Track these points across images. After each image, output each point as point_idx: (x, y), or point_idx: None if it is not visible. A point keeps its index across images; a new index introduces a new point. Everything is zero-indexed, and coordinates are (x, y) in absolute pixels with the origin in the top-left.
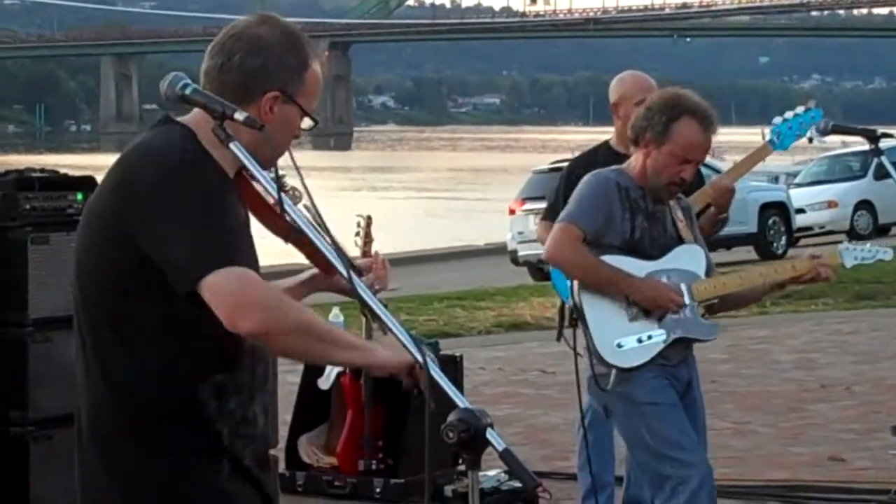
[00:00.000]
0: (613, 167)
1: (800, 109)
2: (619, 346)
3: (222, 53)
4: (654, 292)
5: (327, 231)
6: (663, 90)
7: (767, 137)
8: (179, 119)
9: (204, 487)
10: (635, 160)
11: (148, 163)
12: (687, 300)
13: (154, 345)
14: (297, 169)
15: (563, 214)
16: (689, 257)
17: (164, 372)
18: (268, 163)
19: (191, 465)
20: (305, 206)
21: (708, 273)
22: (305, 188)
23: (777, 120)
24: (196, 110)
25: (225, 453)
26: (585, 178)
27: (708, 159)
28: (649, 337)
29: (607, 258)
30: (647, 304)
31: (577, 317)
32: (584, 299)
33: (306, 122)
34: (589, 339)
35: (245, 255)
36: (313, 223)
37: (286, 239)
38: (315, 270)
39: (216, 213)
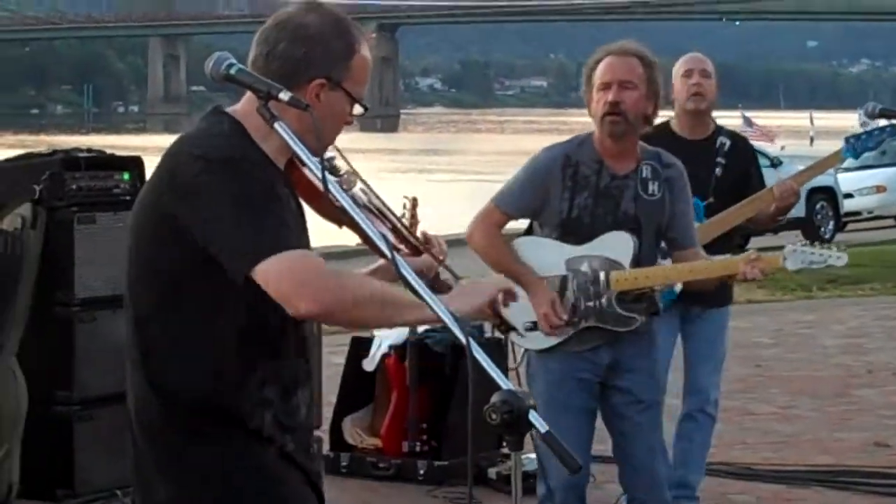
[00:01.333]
0: (581, 137)
1: (881, 123)
2: (526, 326)
3: (267, 42)
4: (536, 303)
5: (383, 211)
6: None
7: (843, 147)
8: (229, 110)
9: (251, 471)
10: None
11: (195, 154)
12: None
13: (202, 336)
14: (340, 153)
15: (494, 195)
16: (614, 244)
17: (211, 362)
18: (316, 150)
19: (236, 453)
20: (362, 191)
21: (638, 261)
22: (355, 172)
23: (854, 132)
24: (246, 102)
25: (269, 442)
26: (533, 155)
27: (758, 145)
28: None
29: (532, 239)
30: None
31: None
32: None
33: (357, 109)
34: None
35: (297, 241)
36: (370, 205)
37: (340, 224)
38: (378, 263)
39: (266, 202)
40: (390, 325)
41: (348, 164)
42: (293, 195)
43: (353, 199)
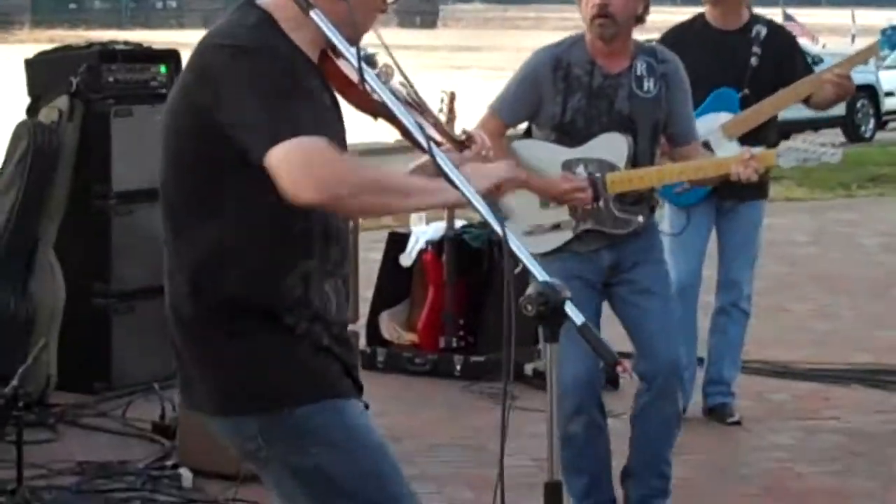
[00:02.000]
0: (572, 38)
1: None
2: (525, 230)
3: None
4: (556, 193)
5: (424, 106)
6: None
7: (880, 38)
8: (259, 2)
9: (287, 363)
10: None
11: (223, 44)
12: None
13: (233, 232)
14: (388, 49)
15: (492, 101)
16: (608, 146)
17: (242, 259)
18: (352, 40)
19: (271, 347)
20: (401, 83)
21: (634, 161)
22: (398, 66)
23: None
24: None
25: (303, 337)
26: (525, 59)
27: (804, 43)
28: (557, 225)
29: (529, 143)
30: (555, 201)
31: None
32: None
33: None
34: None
35: (317, 130)
36: (408, 99)
37: (375, 116)
38: (421, 160)
39: (287, 91)
40: (403, 212)
41: (393, 59)
42: (326, 87)
43: (393, 92)
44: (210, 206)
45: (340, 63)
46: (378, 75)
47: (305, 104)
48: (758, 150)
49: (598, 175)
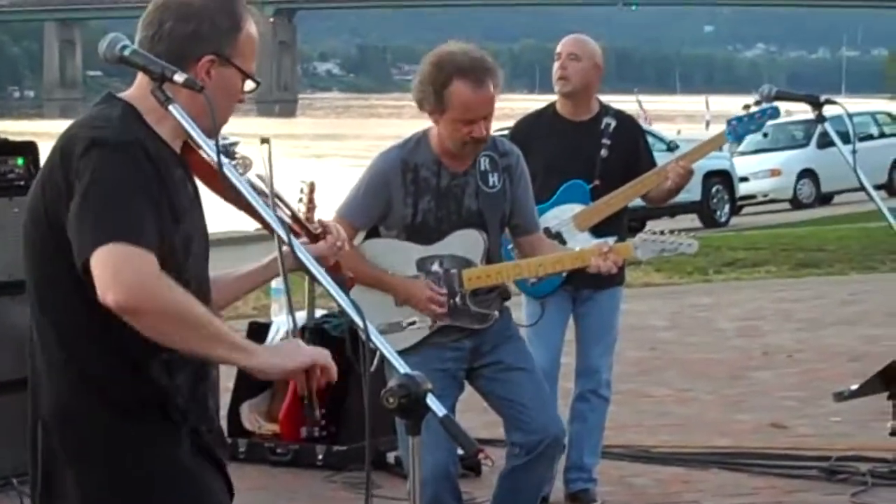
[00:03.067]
0: (416, 137)
1: (761, 106)
2: (383, 330)
3: (153, 24)
4: (412, 299)
5: (281, 200)
6: (432, 53)
7: (726, 129)
8: (122, 95)
9: (164, 463)
10: (434, 128)
11: (83, 136)
12: (453, 292)
13: (98, 320)
14: (268, 143)
15: (339, 206)
16: (464, 243)
17: (113, 348)
18: (212, 131)
19: (149, 441)
20: (259, 176)
21: (489, 256)
22: (270, 158)
23: (737, 114)
24: (139, 85)
25: (182, 425)
26: (371, 162)
27: (646, 127)
28: (413, 323)
29: (381, 242)
30: (409, 305)
31: None
32: None
33: (249, 86)
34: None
35: (149, 237)
36: (264, 190)
37: (238, 206)
38: (276, 254)
39: (131, 192)
40: (201, 356)
41: (268, 158)
42: (189, 177)
43: (250, 184)
44: (72, 296)
45: (203, 153)
46: (236, 166)
47: (149, 206)
48: (615, 243)
49: (453, 271)
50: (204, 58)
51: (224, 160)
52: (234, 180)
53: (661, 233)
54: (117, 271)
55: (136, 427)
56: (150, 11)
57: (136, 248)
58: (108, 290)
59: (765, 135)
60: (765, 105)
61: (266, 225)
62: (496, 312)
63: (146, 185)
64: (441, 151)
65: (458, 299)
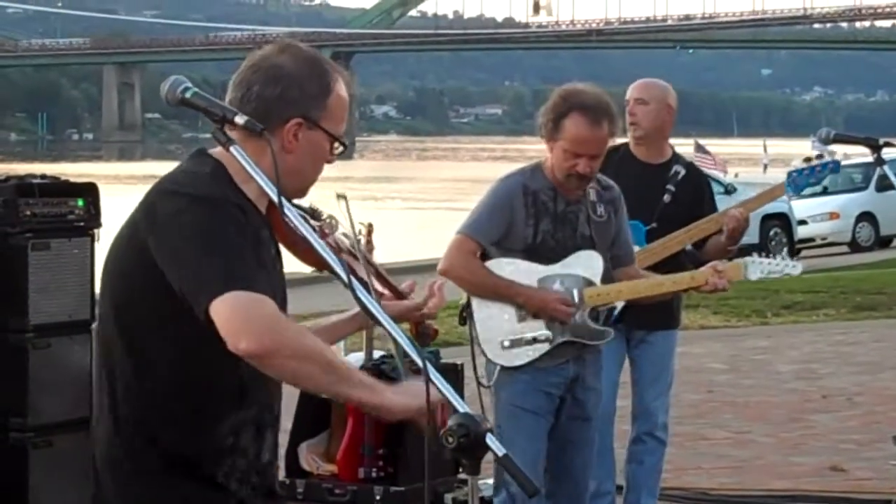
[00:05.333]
0: (532, 166)
1: (824, 159)
2: (504, 345)
3: (242, 85)
4: (541, 303)
5: (366, 258)
6: (563, 87)
7: (785, 181)
8: (212, 152)
9: None
10: (548, 157)
11: (176, 192)
12: (577, 306)
13: (169, 379)
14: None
15: (462, 224)
16: (584, 263)
17: (178, 407)
18: (296, 192)
19: (197, 496)
20: (344, 235)
21: (605, 277)
22: (349, 213)
23: (798, 167)
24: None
25: (230, 493)
26: (494, 183)
27: (712, 173)
28: (535, 339)
29: (505, 261)
30: (537, 313)
31: (465, 314)
32: (473, 298)
33: (337, 148)
34: (475, 337)
35: (267, 282)
36: (351, 250)
37: (321, 268)
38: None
39: (240, 241)
40: (329, 394)
41: (347, 212)
42: (273, 238)
43: (336, 242)
44: (146, 350)
45: (286, 220)
46: (322, 227)
47: (253, 255)
48: (727, 263)
49: (574, 289)
50: (291, 121)
51: (286, 203)
52: (297, 224)
53: (768, 255)
54: (247, 318)
55: (184, 483)
56: (242, 71)
57: (255, 293)
58: (240, 337)
59: (824, 188)
60: (826, 159)
61: (330, 269)
62: (612, 330)
63: (247, 237)
64: (554, 180)
65: (577, 317)
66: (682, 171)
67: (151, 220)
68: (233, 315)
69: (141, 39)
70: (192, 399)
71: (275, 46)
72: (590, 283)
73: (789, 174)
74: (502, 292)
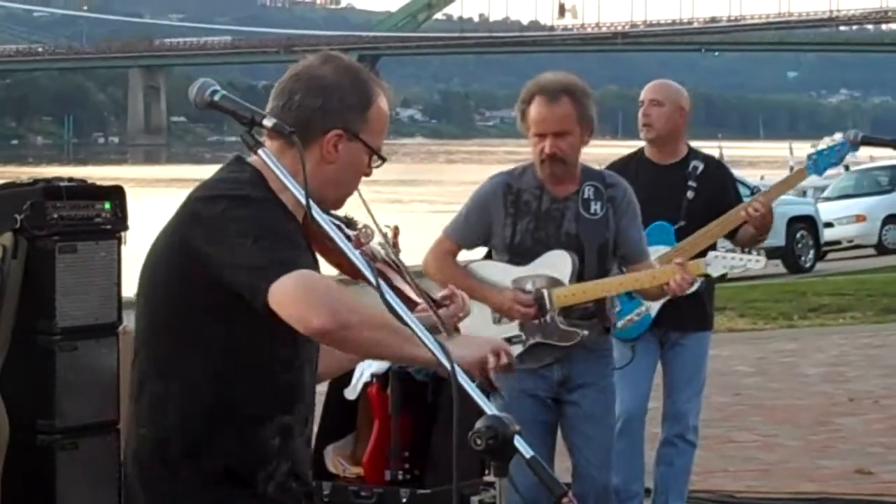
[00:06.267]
0: (524, 165)
1: (837, 137)
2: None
3: (283, 94)
4: (500, 305)
5: (402, 267)
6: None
7: (804, 164)
8: (250, 160)
9: None
10: None
11: (217, 196)
12: (543, 307)
13: (211, 382)
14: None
15: (446, 225)
16: (555, 263)
17: (215, 410)
18: (335, 203)
19: (235, 500)
20: (380, 244)
21: (580, 276)
22: (375, 223)
23: (813, 149)
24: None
25: (267, 496)
26: (478, 185)
27: (738, 174)
28: (510, 340)
29: (491, 262)
30: (500, 314)
31: None
32: None
33: (376, 160)
34: None
35: (308, 262)
36: (387, 259)
37: (355, 277)
38: None
39: (282, 230)
40: (395, 358)
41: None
42: (309, 247)
43: (372, 252)
44: (191, 356)
45: (326, 236)
46: (358, 236)
47: (296, 244)
48: (689, 261)
49: (543, 290)
50: (332, 132)
51: (314, 205)
52: (323, 225)
53: (732, 250)
54: (310, 298)
55: (215, 485)
56: (284, 80)
57: (308, 271)
58: (311, 316)
59: (846, 167)
60: (839, 139)
61: (360, 275)
62: (585, 332)
63: (291, 229)
64: (543, 178)
65: (548, 318)
66: (701, 166)
67: (197, 224)
68: (297, 295)
69: (166, 43)
70: (229, 402)
71: (318, 57)
72: (557, 283)
73: (809, 156)
74: (475, 294)
